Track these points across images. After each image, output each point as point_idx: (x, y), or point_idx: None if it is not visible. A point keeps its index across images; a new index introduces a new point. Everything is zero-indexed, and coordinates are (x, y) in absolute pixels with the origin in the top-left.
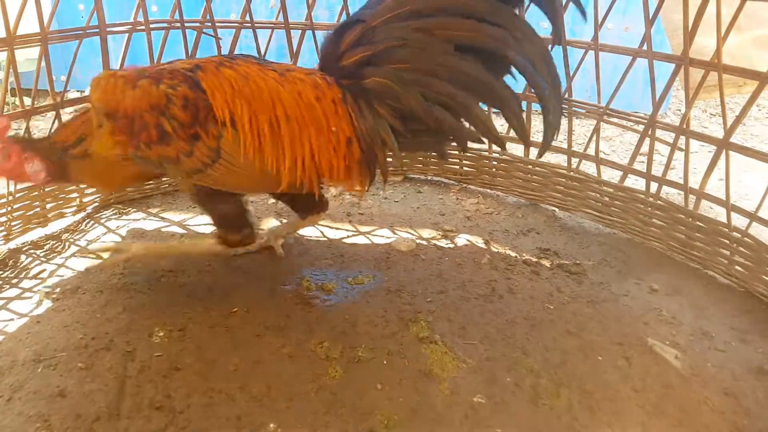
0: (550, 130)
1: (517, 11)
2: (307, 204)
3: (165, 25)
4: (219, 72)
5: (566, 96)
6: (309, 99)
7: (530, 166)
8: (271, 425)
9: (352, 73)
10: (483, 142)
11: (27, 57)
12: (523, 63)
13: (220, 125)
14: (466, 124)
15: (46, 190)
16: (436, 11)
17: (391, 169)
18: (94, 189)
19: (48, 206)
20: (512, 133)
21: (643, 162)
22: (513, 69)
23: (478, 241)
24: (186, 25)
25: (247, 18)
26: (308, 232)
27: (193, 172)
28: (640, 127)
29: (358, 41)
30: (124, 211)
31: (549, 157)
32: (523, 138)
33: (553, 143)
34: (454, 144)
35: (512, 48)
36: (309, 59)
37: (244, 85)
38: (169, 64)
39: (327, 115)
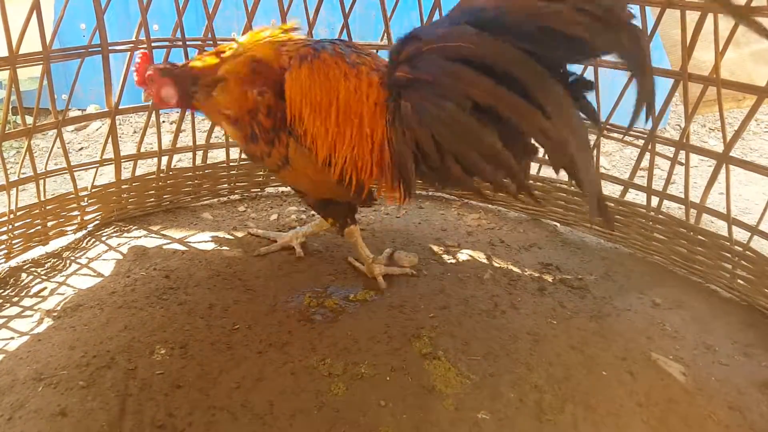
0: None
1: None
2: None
3: (167, 43)
4: (300, 72)
5: None
6: (361, 96)
7: (531, 182)
8: None
9: (398, 86)
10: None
11: (29, 75)
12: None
13: (287, 135)
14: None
15: (47, 208)
16: (468, 57)
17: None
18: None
19: (49, 224)
20: None
21: (643, 177)
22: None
23: (480, 257)
24: (188, 43)
25: None
26: (309, 247)
27: (273, 171)
28: (640, 142)
29: (409, 59)
30: (125, 228)
31: (550, 173)
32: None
33: None
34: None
35: (537, 127)
36: None
37: (312, 87)
38: (278, 49)
39: (366, 114)
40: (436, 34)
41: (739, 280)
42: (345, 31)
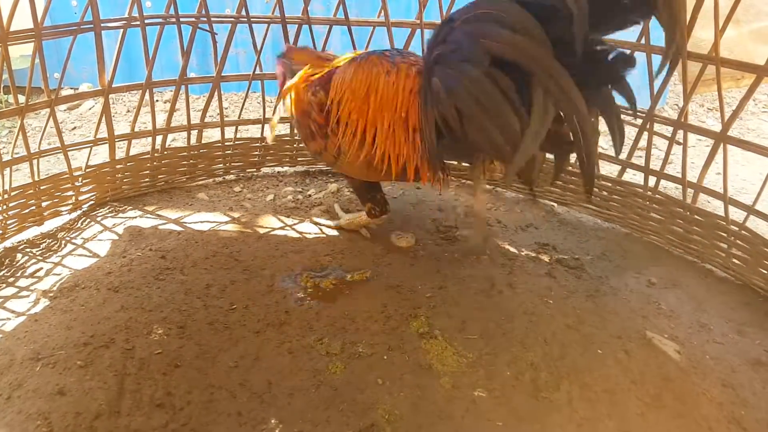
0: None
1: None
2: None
3: (160, 20)
4: (347, 69)
5: None
6: (398, 87)
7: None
8: (272, 421)
9: (429, 69)
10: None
11: (20, 53)
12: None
13: (339, 127)
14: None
15: (42, 188)
16: (482, 15)
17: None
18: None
19: (43, 204)
20: None
21: (641, 156)
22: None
23: (477, 237)
24: (181, 20)
25: (243, 13)
26: (306, 228)
27: (330, 164)
28: (638, 121)
29: (443, 39)
30: (120, 208)
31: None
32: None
33: None
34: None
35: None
36: None
37: (353, 81)
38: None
39: (402, 102)
40: (467, 9)
41: (734, 260)
42: (342, 6)
